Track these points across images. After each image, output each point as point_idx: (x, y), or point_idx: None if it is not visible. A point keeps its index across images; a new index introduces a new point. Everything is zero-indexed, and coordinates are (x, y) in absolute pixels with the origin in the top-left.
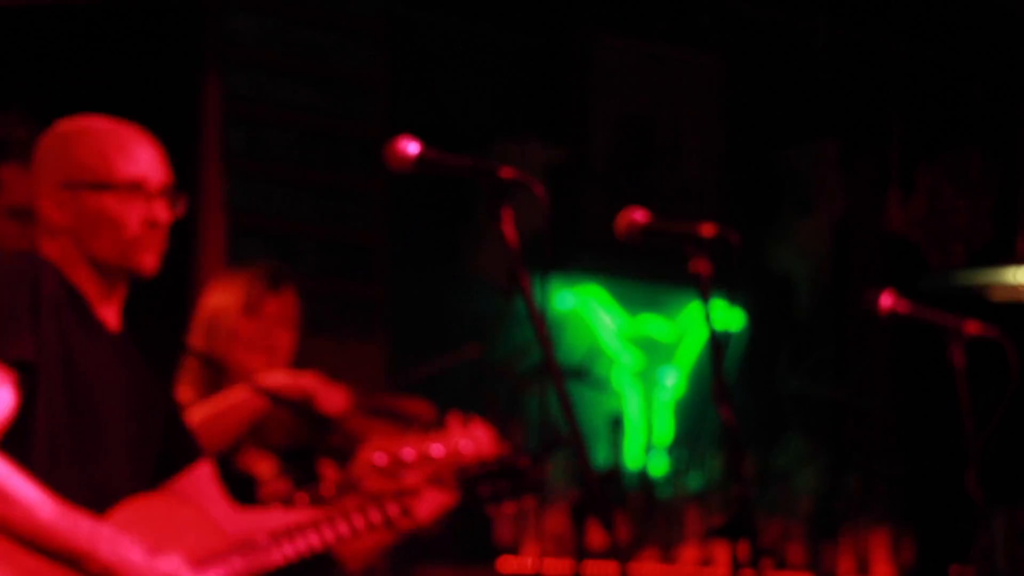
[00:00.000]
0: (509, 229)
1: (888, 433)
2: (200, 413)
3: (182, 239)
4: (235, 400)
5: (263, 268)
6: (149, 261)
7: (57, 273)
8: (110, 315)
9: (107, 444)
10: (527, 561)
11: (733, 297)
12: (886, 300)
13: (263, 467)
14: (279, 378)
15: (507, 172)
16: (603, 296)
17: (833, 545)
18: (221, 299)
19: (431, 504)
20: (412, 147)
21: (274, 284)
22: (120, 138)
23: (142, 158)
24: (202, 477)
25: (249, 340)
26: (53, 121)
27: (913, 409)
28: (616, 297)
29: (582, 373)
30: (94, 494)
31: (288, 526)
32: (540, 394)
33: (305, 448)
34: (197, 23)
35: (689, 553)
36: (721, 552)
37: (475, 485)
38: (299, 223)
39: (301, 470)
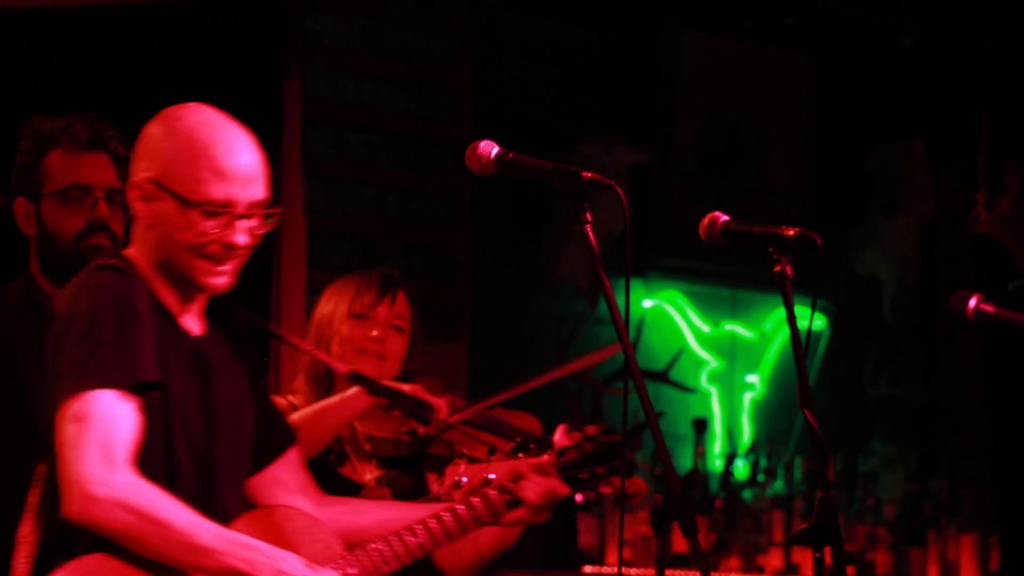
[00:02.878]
0: (590, 232)
1: (976, 437)
2: (305, 411)
3: (262, 242)
4: (338, 399)
5: (374, 274)
6: (218, 282)
7: (144, 284)
8: (192, 319)
9: (203, 458)
10: (610, 568)
11: (818, 299)
12: (973, 302)
13: (367, 476)
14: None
15: (588, 174)
16: (687, 299)
17: (920, 551)
18: (332, 304)
19: (537, 488)
20: (492, 150)
21: (384, 289)
22: (217, 150)
23: (234, 177)
24: (288, 467)
25: (359, 345)
26: (134, 123)
27: (1002, 412)
28: (700, 299)
29: (665, 376)
30: (202, 507)
31: (384, 520)
32: (623, 397)
33: (408, 458)
34: (279, 25)
35: (773, 559)
36: (805, 558)
37: (575, 471)
38: (381, 226)
39: (405, 480)
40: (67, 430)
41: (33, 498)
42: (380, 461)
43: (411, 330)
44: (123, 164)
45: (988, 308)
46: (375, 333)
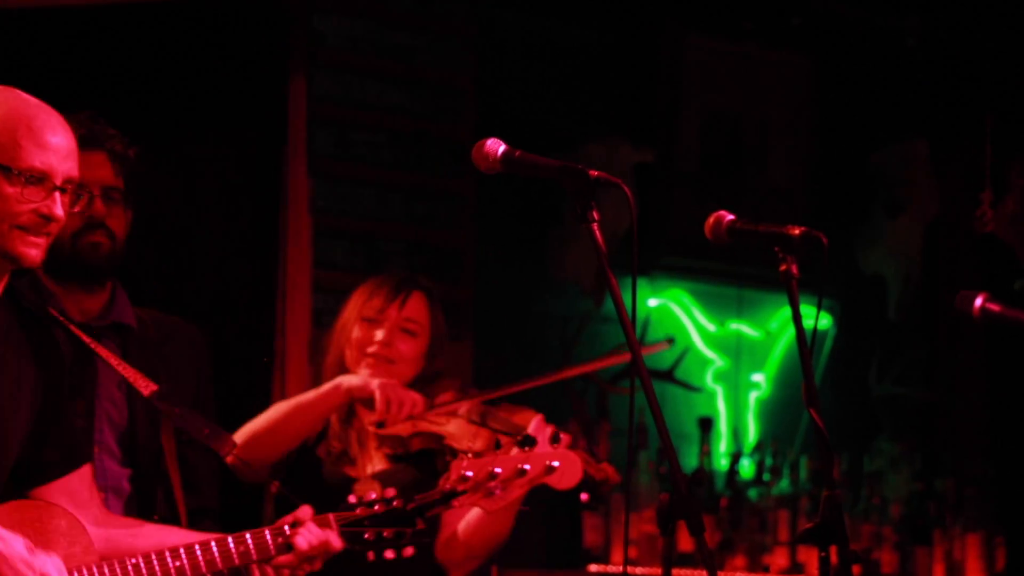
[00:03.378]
0: (596, 231)
1: (981, 436)
2: (281, 406)
3: (267, 241)
4: (313, 397)
5: (390, 277)
6: (33, 254)
7: None
8: None
9: None
10: (615, 566)
11: (823, 298)
12: (978, 301)
13: (368, 470)
14: (353, 380)
15: (595, 173)
16: (691, 297)
17: (925, 550)
18: (349, 308)
19: (310, 538)
20: (499, 148)
21: (395, 292)
22: (36, 123)
23: (52, 149)
24: (79, 482)
25: (365, 349)
26: (139, 123)
27: (1006, 411)
28: (706, 298)
29: (671, 375)
30: None
31: (162, 545)
32: (630, 396)
33: (416, 453)
34: (283, 25)
35: (778, 559)
36: (811, 557)
37: (359, 530)
38: (386, 225)
39: (405, 473)
40: None
41: None
42: (391, 457)
43: (428, 333)
44: (121, 161)
45: (994, 307)
46: (379, 337)
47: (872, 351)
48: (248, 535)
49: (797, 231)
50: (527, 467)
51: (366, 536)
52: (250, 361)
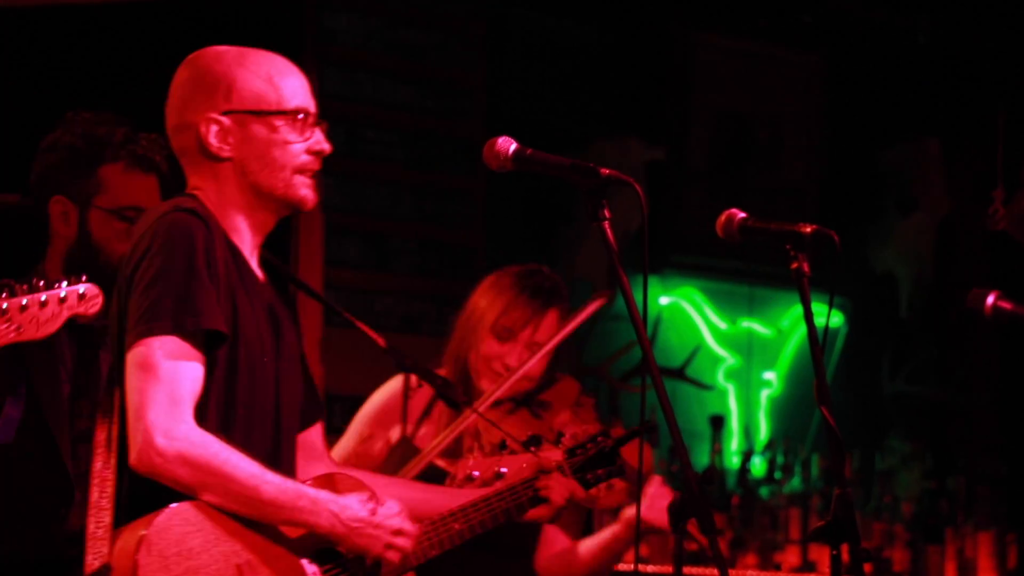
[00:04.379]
0: (608, 229)
1: (993, 434)
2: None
3: (278, 238)
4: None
5: (530, 288)
6: (313, 196)
7: (219, 227)
8: (256, 265)
9: (267, 405)
10: (627, 565)
11: (835, 296)
12: (990, 299)
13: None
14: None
15: (606, 171)
16: (703, 295)
17: (937, 549)
18: (485, 303)
19: (563, 490)
20: (511, 146)
21: (535, 312)
22: (280, 64)
23: (301, 85)
24: (319, 432)
25: (491, 364)
26: (150, 120)
27: (1018, 410)
28: (717, 296)
29: (682, 373)
30: (263, 454)
31: (414, 500)
32: (641, 395)
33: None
34: (295, 22)
35: (789, 557)
36: (822, 556)
37: (583, 474)
38: (397, 223)
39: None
40: (133, 377)
41: (101, 434)
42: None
43: (553, 347)
44: (166, 186)
45: (1006, 305)
46: (508, 359)
47: (883, 349)
48: (504, 492)
49: (808, 229)
50: None
51: (587, 477)
52: None
